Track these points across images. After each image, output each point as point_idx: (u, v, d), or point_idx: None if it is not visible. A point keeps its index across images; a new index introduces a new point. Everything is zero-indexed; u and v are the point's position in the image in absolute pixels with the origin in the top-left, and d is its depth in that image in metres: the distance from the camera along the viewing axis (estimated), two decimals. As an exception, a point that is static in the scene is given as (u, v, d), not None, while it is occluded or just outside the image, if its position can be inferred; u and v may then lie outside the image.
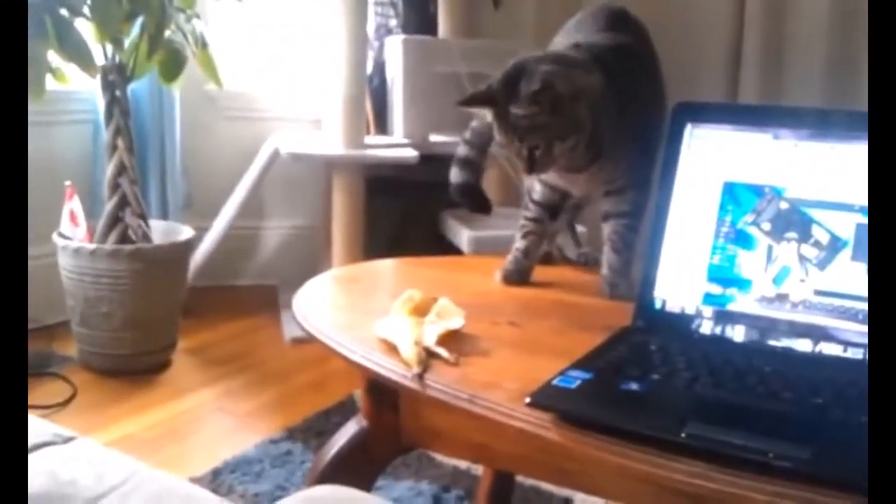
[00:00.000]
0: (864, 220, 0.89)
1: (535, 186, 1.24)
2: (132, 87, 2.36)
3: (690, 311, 0.97)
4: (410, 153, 2.59)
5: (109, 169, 2.28)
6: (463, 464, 1.79)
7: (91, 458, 0.75)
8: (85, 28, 2.12)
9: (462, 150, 1.35)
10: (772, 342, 0.92)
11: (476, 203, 1.36)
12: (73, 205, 2.27)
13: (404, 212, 3.01)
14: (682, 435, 0.72)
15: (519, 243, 1.24)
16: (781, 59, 2.73)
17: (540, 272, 1.28)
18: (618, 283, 1.17)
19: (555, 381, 0.81)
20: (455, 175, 1.36)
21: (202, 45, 2.34)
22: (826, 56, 2.65)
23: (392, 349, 0.93)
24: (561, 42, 1.26)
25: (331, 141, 2.60)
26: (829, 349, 0.89)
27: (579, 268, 1.34)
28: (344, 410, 2.05)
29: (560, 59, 1.12)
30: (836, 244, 0.90)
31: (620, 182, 1.18)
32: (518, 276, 1.23)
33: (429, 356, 0.91)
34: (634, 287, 1.04)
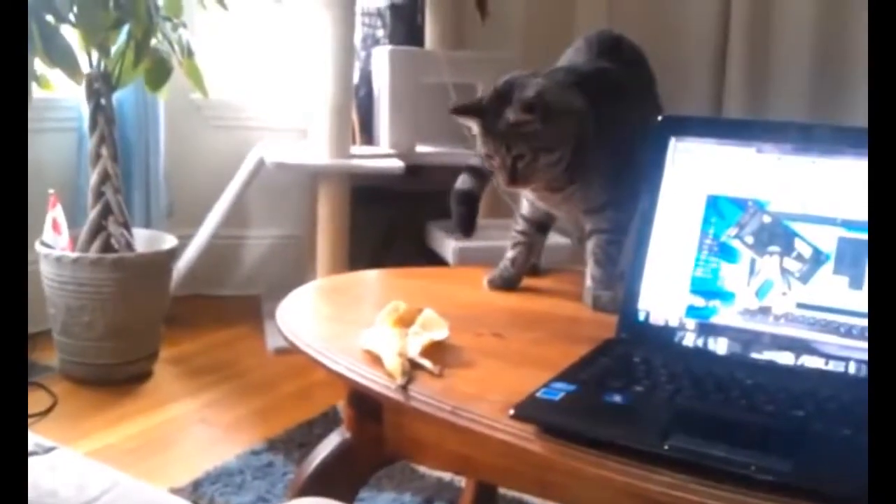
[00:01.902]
0: (847, 233, 0.90)
1: (524, 203, 1.28)
2: (117, 95, 2.35)
3: (674, 323, 0.97)
4: (396, 164, 2.59)
5: (93, 177, 2.27)
6: (446, 475, 1.78)
7: (72, 469, 0.75)
8: (71, 35, 2.12)
9: (475, 160, 1.36)
10: (754, 355, 0.93)
11: (466, 216, 1.34)
12: (56, 213, 2.26)
13: (389, 222, 3.01)
14: (665, 447, 0.72)
15: (509, 253, 1.28)
16: (766, 73, 2.75)
17: (525, 284, 1.28)
18: (601, 295, 1.18)
19: (538, 394, 0.81)
20: (461, 181, 1.35)
21: (188, 53, 2.34)
22: (810, 70, 2.67)
23: (376, 360, 0.92)
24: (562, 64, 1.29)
25: (316, 151, 2.59)
26: (811, 362, 0.90)
27: (564, 280, 1.34)
28: (327, 422, 2.04)
29: (549, 77, 1.15)
30: (818, 258, 0.91)
31: (597, 202, 1.20)
32: (502, 283, 1.26)
33: (413, 367, 0.90)
34: (618, 299, 1.04)
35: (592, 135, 1.14)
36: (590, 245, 1.22)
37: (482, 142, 1.13)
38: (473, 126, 1.14)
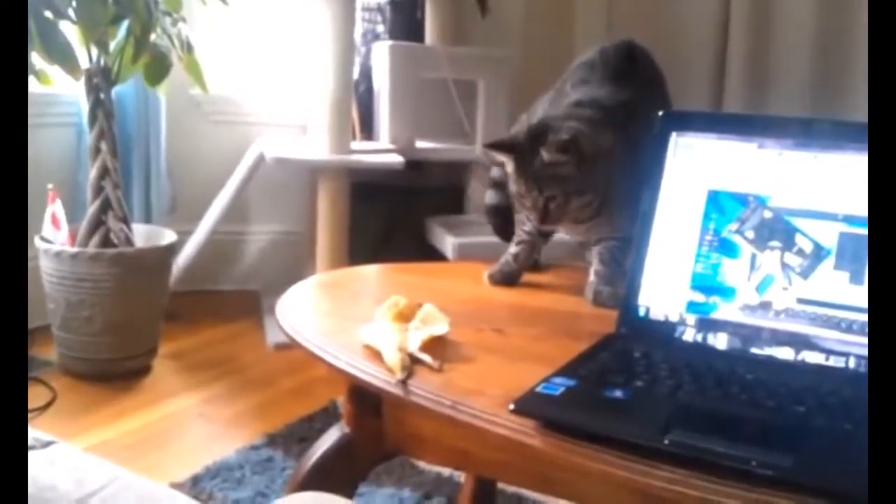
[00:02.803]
0: (848, 228, 0.90)
1: None
2: (117, 90, 2.34)
3: (674, 318, 0.97)
4: (396, 159, 2.59)
5: (92, 172, 2.27)
6: (445, 471, 1.78)
7: (71, 464, 0.75)
8: (70, 30, 2.11)
9: (496, 173, 1.40)
10: (755, 350, 0.92)
11: (501, 226, 1.40)
12: (56, 208, 2.26)
13: (389, 217, 3.01)
14: (665, 442, 0.72)
15: (512, 248, 1.28)
16: (766, 68, 2.75)
17: (525, 279, 1.28)
18: (602, 290, 1.18)
19: (538, 388, 0.81)
20: (489, 196, 1.42)
21: (188, 48, 2.34)
22: (810, 66, 2.67)
23: (376, 355, 0.92)
24: (567, 87, 1.28)
25: (316, 146, 2.59)
26: (812, 357, 0.90)
27: (564, 276, 1.34)
28: (326, 417, 2.04)
29: (583, 119, 1.15)
30: (819, 253, 0.91)
31: (619, 228, 1.20)
32: (503, 278, 1.27)
33: (413, 362, 0.90)
34: (619, 295, 1.04)
35: (618, 169, 1.15)
36: (597, 248, 1.22)
37: (514, 180, 1.15)
38: (508, 163, 1.16)
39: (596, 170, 1.13)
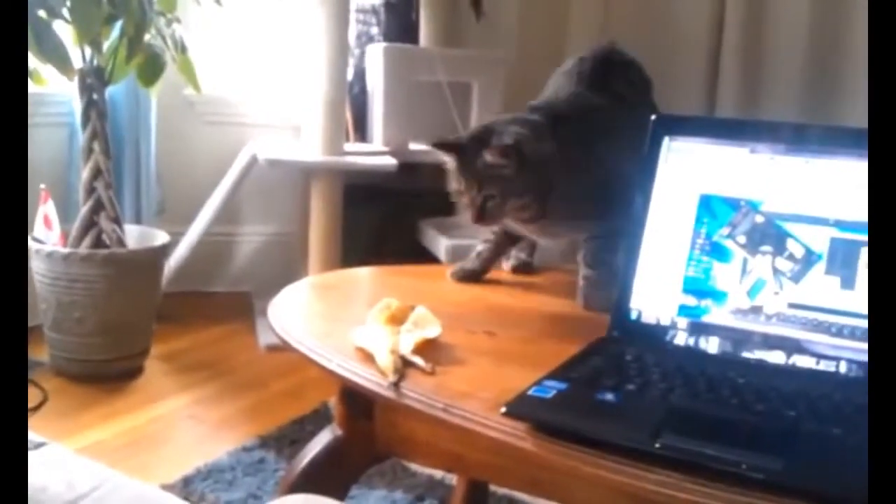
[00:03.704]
0: (839, 233, 0.91)
1: None
2: (109, 90, 2.34)
3: (666, 322, 0.97)
4: (390, 161, 2.59)
5: (85, 173, 2.26)
6: (437, 473, 1.78)
7: (62, 465, 0.75)
8: (63, 30, 2.11)
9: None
10: (746, 354, 0.93)
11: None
12: (48, 208, 2.25)
13: (382, 220, 3.01)
14: (656, 445, 0.72)
15: (478, 247, 1.32)
16: (759, 73, 2.75)
17: (518, 282, 1.28)
18: (592, 294, 1.18)
19: (530, 391, 0.81)
20: None
21: (182, 49, 2.33)
22: (803, 71, 2.68)
23: (368, 358, 0.92)
24: (549, 90, 1.32)
25: (310, 148, 2.59)
26: (803, 362, 0.90)
27: (557, 279, 1.34)
28: (318, 419, 2.04)
29: (528, 124, 1.18)
30: (810, 258, 0.91)
31: (578, 223, 1.23)
32: (464, 275, 1.30)
33: (405, 365, 0.90)
34: (610, 298, 1.04)
35: (562, 177, 1.17)
36: (582, 250, 1.23)
37: (455, 178, 1.17)
38: (450, 162, 1.18)
39: (536, 174, 1.15)
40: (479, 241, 1.33)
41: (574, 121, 1.22)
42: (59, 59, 2.07)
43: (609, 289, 1.11)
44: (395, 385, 0.87)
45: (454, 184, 1.18)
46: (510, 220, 1.20)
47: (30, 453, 0.76)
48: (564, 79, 1.30)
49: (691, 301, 0.96)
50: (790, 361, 0.91)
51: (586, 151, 1.19)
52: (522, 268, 1.36)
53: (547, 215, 1.19)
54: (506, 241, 1.31)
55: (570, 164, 1.17)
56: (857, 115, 2.37)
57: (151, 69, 2.30)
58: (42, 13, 2.03)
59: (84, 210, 2.26)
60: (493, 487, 1.58)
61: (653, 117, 1.05)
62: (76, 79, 2.21)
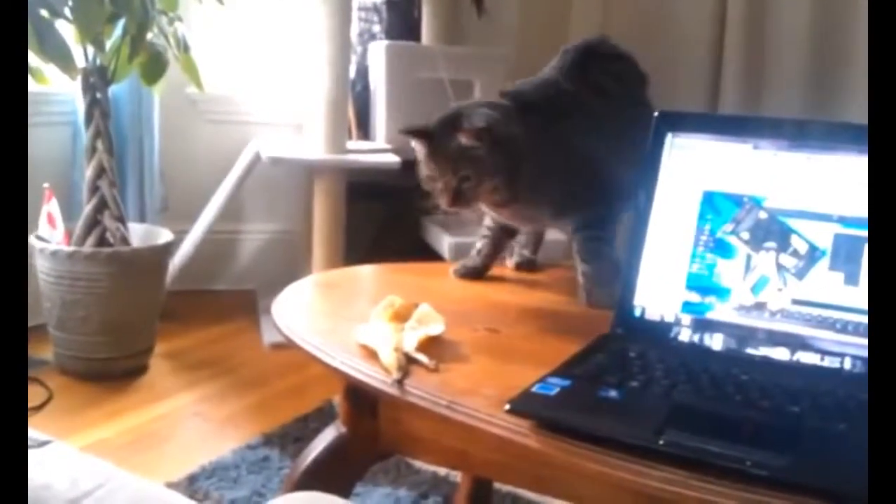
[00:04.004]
0: (843, 229, 0.90)
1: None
2: (113, 89, 2.34)
3: (669, 318, 0.97)
4: (392, 159, 2.59)
5: (88, 171, 2.27)
6: (441, 470, 1.78)
7: (66, 463, 0.75)
8: (66, 29, 2.11)
9: None
10: (750, 350, 0.93)
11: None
12: (51, 207, 2.25)
13: (385, 217, 3.01)
14: (660, 442, 0.72)
15: (477, 244, 1.32)
16: (761, 70, 2.75)
17: (521, 279, 1.28)
18: (593, 290, 1.18)
19: (534, 388, 0.82)
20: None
21: (184, 48, 2.33)
22: (805, 68, 2.67)
23: (372, 355, 0.92)
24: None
25: (312, 145, 2.59)
26: (807, 358, 0.90)
27: (560, 275, 1.34)
28: (322, 416, 2.04)
29: (497, 108, 1.19)
30: (813, 254, 0.91)
31: (553, 210, 1.23)
32: (466, 272, 1.31)
33: (408, 362, 0.90)
34: (613, 295, 1.04)
35: (529, 160, 1.17)
36: (574, 244, 1.23)
37: (426, 164, 1.17)
38: (419, 148, 1.18)
39: (506, 155, 1.15)
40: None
41: (541, 105, 1.22)
42: (61, 58, 2.07)
43: (611, 284, 1.11)
44: (399, 382, 0.87)
45: (425, 170, 1.18)
46: (484, 204, 1.21)
47: (34, 451, 0.76)
48: (548, 70, 1.30)
49: (695, 298, 0.96)
50: (794, 358, 0.90)
51: (552, 136, 1.20)
52: (526, 265, 1.36)
53: (518, 198, 1.19)
54: (502, 235, 1.31)
55: (537, 147, 1.18)
56: (859, 111, 2.36)
57: (154, 68, 2.30)
58: (44, 12, 2.03)
59: (88, 209, 2.26)
60: (497, 485, 1.58)
61: (656, 113, 1.04)
62: (79, 78, 2.21)
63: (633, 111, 1.24)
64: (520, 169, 1.17)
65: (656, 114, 1.04)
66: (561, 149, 1.20)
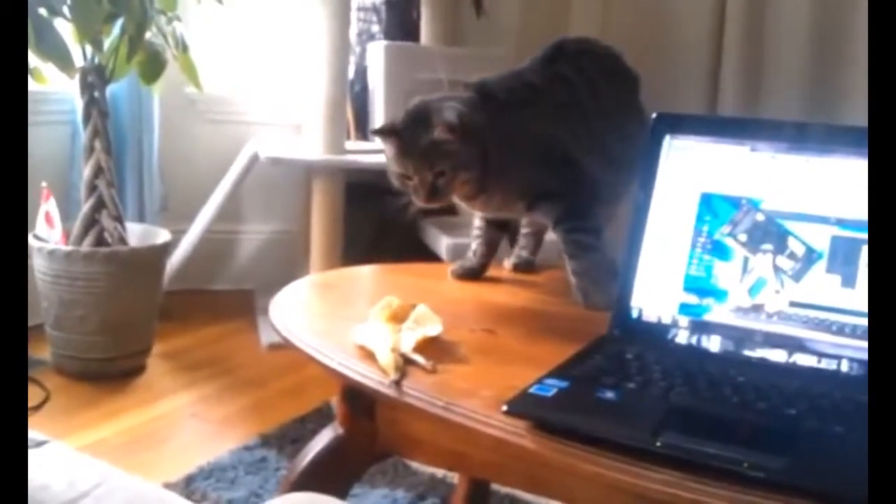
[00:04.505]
0: (840, 232, 0.90)
1: None
2: (111, 88, 2.34)
3: (667, 320, 0.97)
4: (391, 159, 2.58)
5: (86, 171, 2.26)
6: (439, 472, 1.78)
7: (63, 463, 0.75)
8: (64, 28, 2.11)
9: None
10: (747, 352, 0.93)
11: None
12: (49, 206, 2.25)
13: (383, 218, 3.00)
14: (657, 444, 0.72)
15: (472, 245, 1.32)
16: (760, 72, 2.75)
17: (519, 280, 1.28)
18: (588, 290, 1.18)
19: (531, 390, 0.82)
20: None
21: (183, 47, 2.33)
22: (805, 69, 2.67)
23: (369, 356, 0.92)
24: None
25: (311, 146, 2.59)
26: (804, 360, 0.90)
27: (558, 276, 1.34)
28: (320, 417, 2.04)
29: (460, 101, 1.20)
30: (811, 256, 0.91)
31: (523, 199, 1.24)
32: (464, 273, 1.31)
33: (406, 363, 0.90)
34: (611, 295, 1.04)
35: (494, 149, 1.18)
36: (560, 244, 1.24)
37: (398, 163, 1.17)
38: (389, 147, 1.18)
39: (476, 146, 1.16)
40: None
41: (502, 95, 1.23)
42: (60, 57, 2.07)
43: (607, 284, 1.11)
44: (397, 383, 0.87)
45: (396, 168, 1.18)
46: (456, 196, 1.21)
47: (31, 451, 0.76)
48: (518, 66, 1.32)
49: (692, 299, 0.96)
50: (791, 360, 0.91)
51: (511, 122, 1.21)
52: (524, 266, 1.36)
53: (486, 188, 1.20)
54: (493, 231, 1.31)
55: (500, 135, 1.19)
56: (858, 114, 2.37)
57: (152, 67, 2.30)
58: (43, 11, 2.03)
59: (86, 208, 2.26)
60: (494, 486, 1.58)
61: (654, 115, 1.04)
62: (77, 77, 2.21)
63: (611, 106, 1.25)
64: (487, 158, 1.17)
65: (654, 115, 1.04)
66: (521, 135, 1.21)
